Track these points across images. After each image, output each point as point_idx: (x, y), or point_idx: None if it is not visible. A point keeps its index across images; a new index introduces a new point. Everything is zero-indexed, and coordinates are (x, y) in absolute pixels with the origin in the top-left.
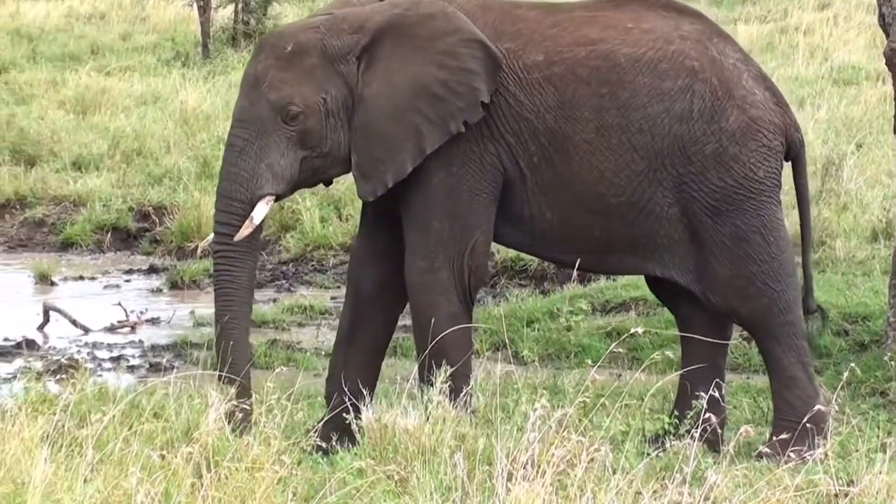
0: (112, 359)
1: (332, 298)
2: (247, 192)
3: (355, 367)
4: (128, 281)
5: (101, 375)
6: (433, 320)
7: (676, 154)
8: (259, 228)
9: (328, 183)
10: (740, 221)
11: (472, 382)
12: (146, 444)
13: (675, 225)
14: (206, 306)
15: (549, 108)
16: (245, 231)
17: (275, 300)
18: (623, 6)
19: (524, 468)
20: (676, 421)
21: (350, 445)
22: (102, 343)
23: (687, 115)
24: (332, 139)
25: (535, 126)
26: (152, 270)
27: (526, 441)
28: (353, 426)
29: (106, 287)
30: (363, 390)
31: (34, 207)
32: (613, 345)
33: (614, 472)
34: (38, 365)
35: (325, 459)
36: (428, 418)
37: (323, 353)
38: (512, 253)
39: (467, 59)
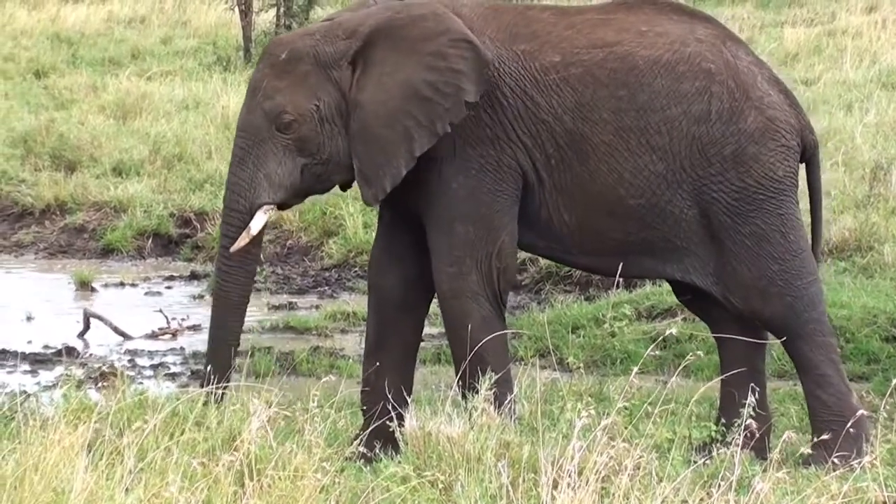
0: (153, 366)
1: None
2: (245, 202)
3: (389, 373)
4: (169, 287)
5: (141, 383)
6: (467, 327)
7: (695, 156)
8: (257, 241)
9: (344, 187)
10: (760, 221)
11: (513, 384)
12: (187, 453)
13: (695, 227)
14: (247, 313)
15: (567, 110)
16: (242, 242)
17: (317, 306)
18: (634, 10)
19: (569, 476)
20: (724, 428)
21: (393, 453)
22: (143, 350)
23: (705, 116)
24: (331, 145)
25: (553, 128)
26: (193, 277)
27: (571, 448)
28: (397, 434)
29: (147, 294)
30: (405, 396)
31: (74, 213)
32: (651, 348)
33: (660, 480)
34: (79, 373)
35: (368, 467)
36: (472, 426)
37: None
38: None
39: (456, 59)
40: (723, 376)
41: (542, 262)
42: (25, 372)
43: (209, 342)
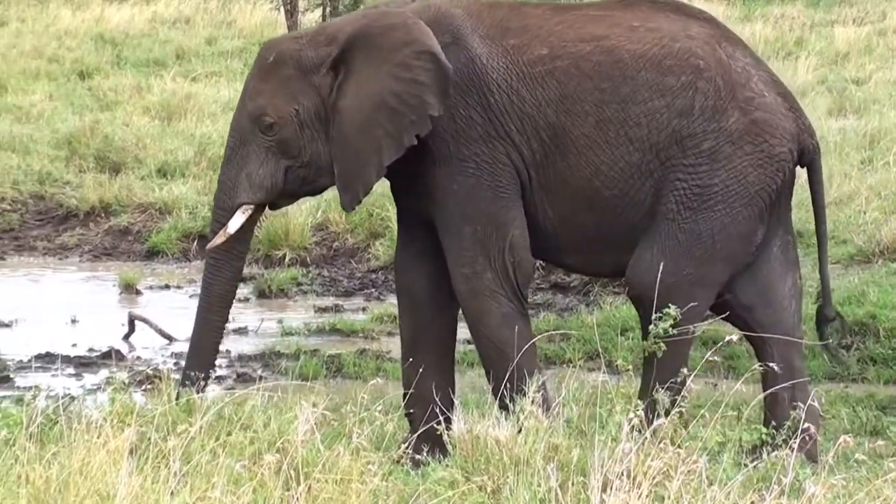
0: None
1: None
2: (228, 201)
3: (430, 374)
4: None
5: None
6: (488, 325)
7: (672, 147)
8: (240, 237)
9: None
10: (703, 221)
11: (540, 379)
12: (233, 456)
13: (648, 212)
14: (294, 316)
15: (550, 102)
16: (218, 239)
17: (364, 309)
18: (632, 7)
19: (619, 479)
20: (774, 431)
21: (441, 457)
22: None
23: (688, 110)
24: (311, 149)
25: (537, 122)
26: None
27: (620, 452)
28: (444, 437)
29: (192, 296)
30: (450, 397)
31: (119, 215)
32: (709, 353)
33: (711, 484)
34: (124, 375)
35: (416, 471)
36: (520, 429)
37: None
38: None
39: (419, 71)
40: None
41: None
42: (70, 375)
43: (192, 335)
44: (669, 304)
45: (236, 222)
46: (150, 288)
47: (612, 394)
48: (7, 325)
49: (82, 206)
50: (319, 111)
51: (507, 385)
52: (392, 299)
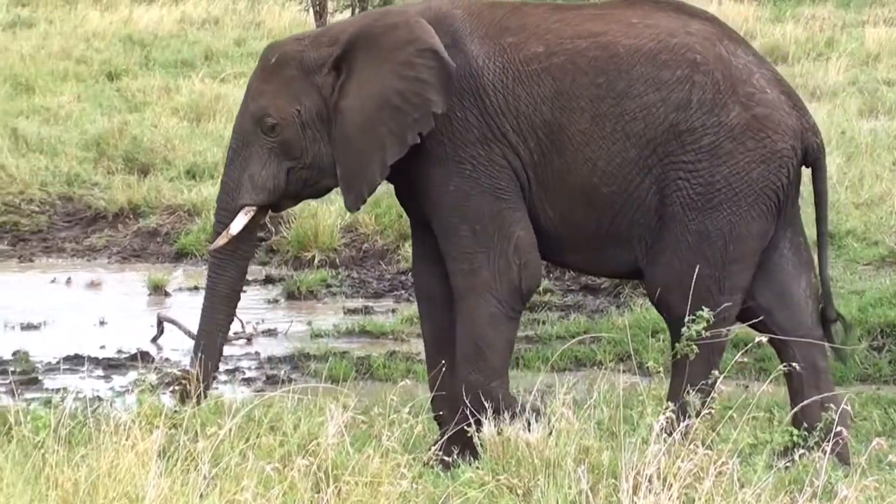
0: (228, 371)
1: None
2: (231, 202)
3: (454, 376)
4: (243, 291)
5: (216, 388)
6: (473, 321)
7: (671, 142)
8: (244, 238)
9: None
10: (710, 222)
11: (508, 387)
12: (263, 458)
13: (652, 213)
14: (323, 317)
15: (546, 100)
16: (220, 241)
17: (393, 310)
18: (633, 6)
19: (650, 481)
20: (805, 433)
21: (472, 459)
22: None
23: (685, 104)
24: (314, 150)
25: (533, 120)
26: (268, 281)
27: (651, 453)
28: (475, 439)
29: None
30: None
31: (148, 217)
32: (738, 355)
33: (742, 486)
34: (153, 377)
35: (446, 473)
36: (551, 431)
37: None
38: None
39: (422, 69)
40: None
41: None
42: (99, 377)
43: (197, 336)
44: (690, 307)
45: (238, 223)
46: (179, 289)
47: (643, 395)
48: (35, 327)
49: (111, 207)
50: (321, 112)
51: (472, 382)
52: None
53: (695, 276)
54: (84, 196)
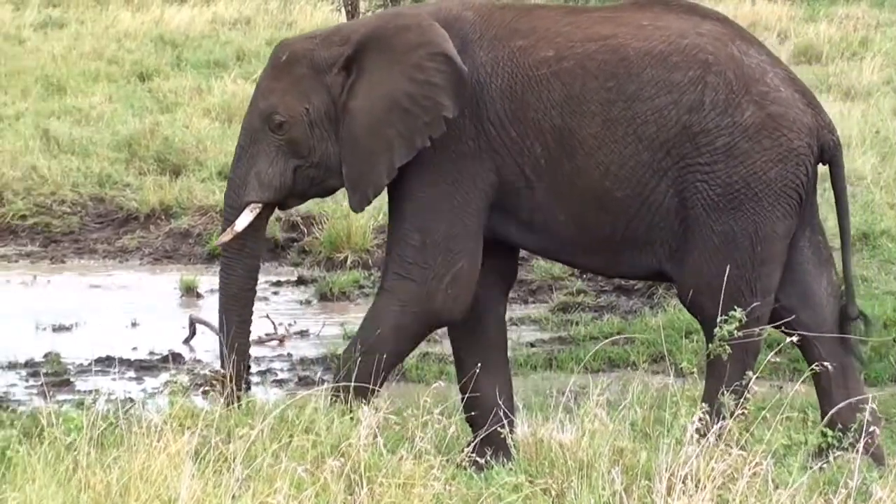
0: (260, 372)
1: None
2: (237, 199)
3: (485, 377)
4: (276, 293)
5: (248, 389)
6: (379, 321)
7: (685, 145)
8: (252, 235)
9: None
10: (734, 222)
11: (369, 397)
12: (296, 460)
13: (672, 216)
14: (356, 319)
15: (555, 105)
16: (225, 238)
17: None
18: (644, 8)
19: (683, 482)
20: (840, 433)
21: (505, 460)
22: (250, 356)
23: (698, 106)
24: (321, 149)
25: (541, 125)
26: (301, 282)
27: (685, 454)
28: (508, 440)
29: None
30: (509, 396)
31: (179, 218)
32: (771, 354)
33: (776, 487)
34: (185, 379)
35: (479, 475)
36: (584, 432)
37: None
38: None
39: (433, 72)
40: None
41: None
42: (131, 378)
43: (219, 340)
44: (720, 308)
45: (244, 221)
46: (211, 291)
47: (677, 396)
48: (67, 329)
49: (142, 208)
50: (330, 111)
51: (349, 368)
52: None
53: (723, 277)
54: (116, 197)
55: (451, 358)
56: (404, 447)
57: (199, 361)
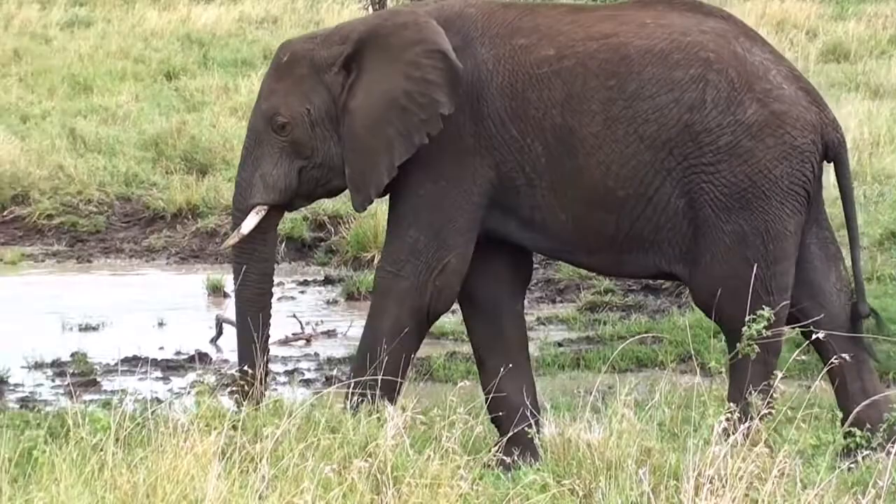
0: (287, 372)
1: None
2: (244, 201)
3: (509, 375)
4: (303, 292)
5: (275, 389)
6: (379, 325)
7: (687, 144)
8: (262, 239)
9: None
10: (744, 221)
11: (395, 397)
12: (322, 460)
13: (681, 218)
14: None
15: (556, 104)
16: (231, 240)
17: (454, 311)
18: (648, 6)
19: (711, 482)
20: (869, 435)
21: (532, 460)
22: (277, 356)
23: (699, 104)
24: (323, 150)
25: (542, 124)
26: (328, 281)
27: (712, 454)
28: (535, 440)
29: (280, 298)
30: (534, 394)
31: (206, 217)
32: (796, 352)
33: (805, 487)
34: (211, 379)
35: (506, 474)
36: (612, 432)
37: None
38: None
39: (429, 69)
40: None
41: None
42: (157, 378)
43: (238, 342)
44: (738, 309)
45: (250, 223)
46: None
47: (705, 396)
48: (94, 328)
49: (169, 207)
50: (331, 111)
51: (360, 379)
52: None
53: (738, 278)
54: (142, 196)
55: None
56: (431, 447)
57: (225, 361)
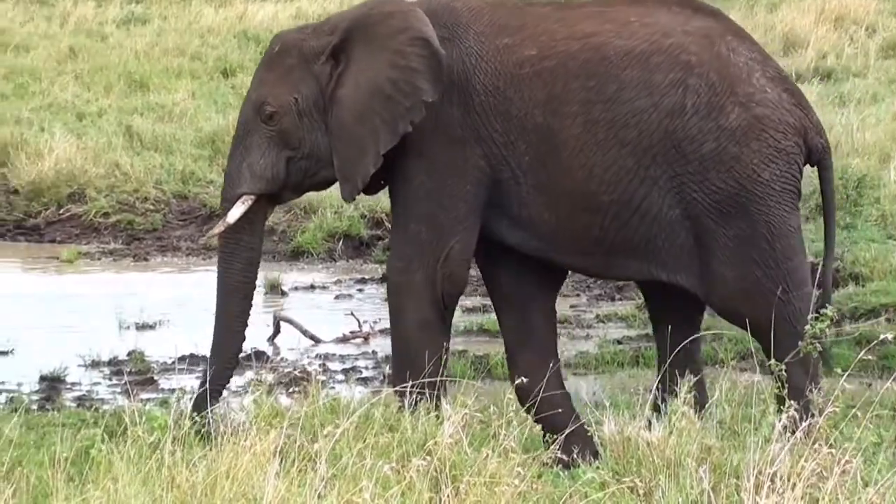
0: (344, 370)
1: (572, 307)
2: (231, 191)
3: (545, 372)
4: (360, 290)
5: (333, 388)
6: (402, 325)
7: (670, 152)
8: (249, 228)
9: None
10: (745, 224)
11: (438, 392)
12: (381, 458)
13: (677, 228)
14: None
15: (538, 104)
16: (217, 229)
17: None
18: (637, 2)
19: (772, 481)
20: None
21: (592, 458)
22: (334, 354)
23: (679, 110)
24: (311, 140)
25: (524, 124)
26: (385, 279)
27: (773, 452)
28: (595, 438)
29: (338, 297)
30: (565, 390)
31: None
32: (863, 352)
33: (866, 486)
34: (270, 377)
35: (565, 473)
36: (672, 430)
37: (562, 363)
38: None
39: (412, 57)
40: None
41: None
42: None
43: (214, 330)
44: (757, 311)
45: (236, 212)
46: (296, 288)
47: (765, 394)
48: (151, 327)
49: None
50: (318, 101)
51: (405, 388)
52: None
53: (750, 281)
54: (199, 194)
55: None
56: (489, 445)
57: (283, 360)
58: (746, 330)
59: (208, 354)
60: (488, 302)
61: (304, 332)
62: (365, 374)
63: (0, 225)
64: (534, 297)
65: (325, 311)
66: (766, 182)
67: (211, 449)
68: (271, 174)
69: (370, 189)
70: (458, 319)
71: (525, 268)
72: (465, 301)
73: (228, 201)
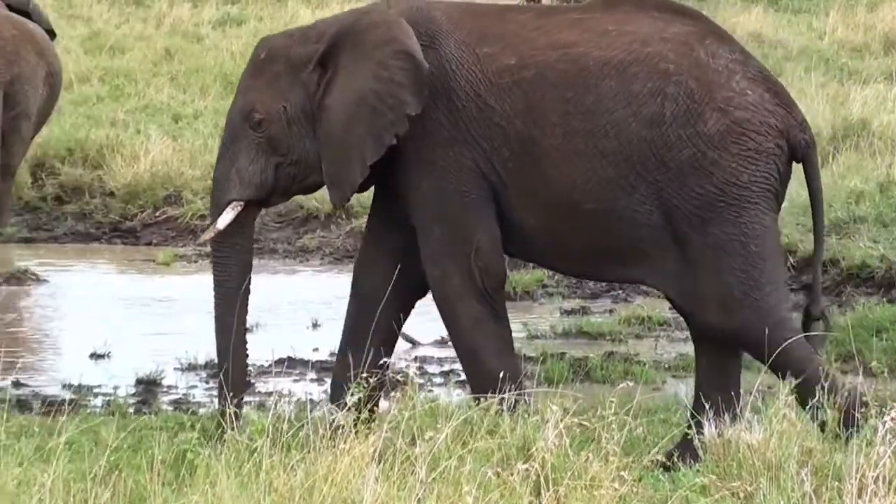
0: (443, 373)
1: (671, 309)
2: (220, 197)
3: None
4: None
5: (431, 391)
6: (459, 329)
7: (650, 160)
8: (240, 232)
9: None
10: (719, 231)
11: (522, 380)
12: (481, 462)
13: (660, 232)
14: (539, 318)
15: (518, 114)
16: (206, 235)
17: (611, 311)
18: (615, 8)
19: (875, 484)
20: None
21: (692, 462)
22: (433, 357)
23: (658, 119)
24: (300, 147)
25: (506, 132)
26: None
27: (876, 455)
28: (696, 442)
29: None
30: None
31: (360, 217)
32: None
33: None
34: (371, 380)
35: (666, 476)
36: (773, 432)
37: (663, 365)
38: (857, 260)
39: (396, 70)
40: None
41: (843, 263)
42: (312, 380)
43: (215, 332)
44: (737, 318)
45: (225, 219)
46: None
47: (867, 396)
48: (247, 329)
49: (323, 208)
50: (307, 108)
51: (487, 388)
52: (639, 301)
53: (734, 287)
54: (296, 196)
55: (638, 358)
56: (590, 448)
57: (382, 363)
58: (737, 343)
59: (217, 362)
60: (587, 304)
61: (402, 335)
62: (463, 377)
63: (96, 227)
64: (390, 304)
65: (423, 314)
66: (744, 185)
67: (309, 452)
68: (260, 180)
69: (360, 188)
70: (557, 321)
71: (395, 278)
72: (564, 303)
73: (217, 208)
